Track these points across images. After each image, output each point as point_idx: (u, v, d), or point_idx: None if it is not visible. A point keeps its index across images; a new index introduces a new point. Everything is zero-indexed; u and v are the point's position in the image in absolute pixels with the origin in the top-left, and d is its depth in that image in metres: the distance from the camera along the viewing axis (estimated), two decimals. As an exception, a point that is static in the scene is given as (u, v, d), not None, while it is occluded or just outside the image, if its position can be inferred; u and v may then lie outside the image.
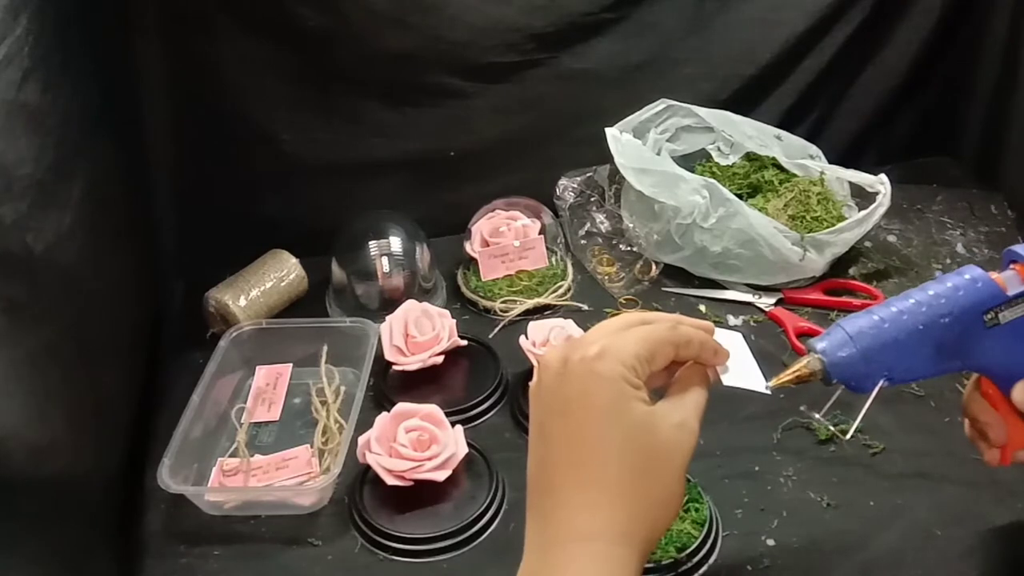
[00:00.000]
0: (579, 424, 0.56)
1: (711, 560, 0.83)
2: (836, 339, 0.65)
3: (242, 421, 1.00)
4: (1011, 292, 0.65)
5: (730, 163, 1.24)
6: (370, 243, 1.12)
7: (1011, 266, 0.66)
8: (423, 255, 1.15)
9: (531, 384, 0.60)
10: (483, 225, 1.20)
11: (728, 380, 0.64)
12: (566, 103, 1.25)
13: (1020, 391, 0.66)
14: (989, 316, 0.65)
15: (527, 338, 1.01)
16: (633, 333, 0.59)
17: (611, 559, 0.54)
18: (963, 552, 0.83)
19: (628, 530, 0.55)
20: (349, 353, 1.05)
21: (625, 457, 0.56)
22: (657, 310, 1.13)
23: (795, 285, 1.15)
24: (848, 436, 0.69)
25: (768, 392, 0.66)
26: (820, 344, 0.65)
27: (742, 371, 0.65)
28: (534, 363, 0.99)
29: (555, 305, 1.15)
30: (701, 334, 0.62)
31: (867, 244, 1.20)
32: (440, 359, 1.03)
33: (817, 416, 0.72)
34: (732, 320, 1.11)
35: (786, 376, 0.66)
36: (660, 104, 1.22)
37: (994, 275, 0.66)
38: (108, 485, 0.90)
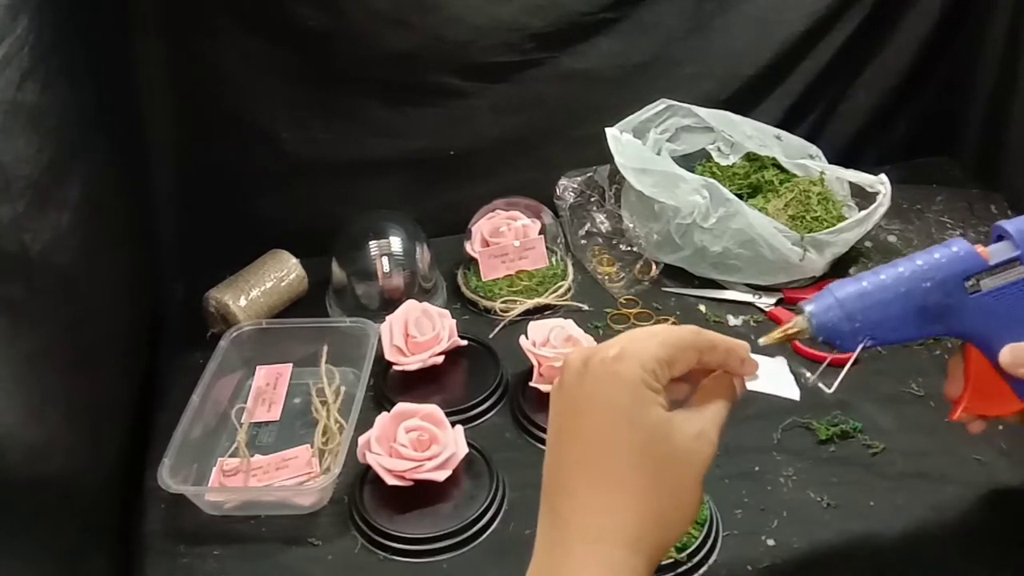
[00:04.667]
0: (595, 425, 0.56)
1: (711, 560, 0.83)
2: (824, 301, 0.69)
3: (242, 421, 1.00)
4: (993, 261, 0.69)
5: (730, 163, 1.24)
6: (370, 243, 1.12)
7: (996, 240, 0.71)
8: (423, 255, 1.15)
9: (553, 384, 0.60)
10: (483, 225, 1.20)
11: (755, 385, 0.63)
12: (566, 103, 1.25)
13: (1007, 354, 0.70)
14: (970, 283, 0.69)
15: (527, 338, 1.01)
16: (655, 336, 0.58)
17: (619, 564, 0.54)
18: (963, 552, 0.83)
19: (638, 535, 0.54)
20: (349, 353, 1.05)
21: (639, 461, 0.55)
22: (657, 310, 1.13)
23: (795, 285, 1.15)
24: (831, 390, 0.70)
25: (798, 399, 0.65)
26: (809, 306, 0.69)
27: (773, 380, 0.64)
28: (534, 363, 0.99)
29: (555, 305, 1.15)
30: (728, 340, 0.61)
31: (867, 244, 1.20)
32: (440, 359, 1.03)
33: (808, 375, 0.73)
34: (732, 320, 1.11)
35: (776, 334, 0.69)
36: (660, 104, 1.22)
37: (979, 247, 0.70)
38: (106, 485, 0.90)
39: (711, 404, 0.60)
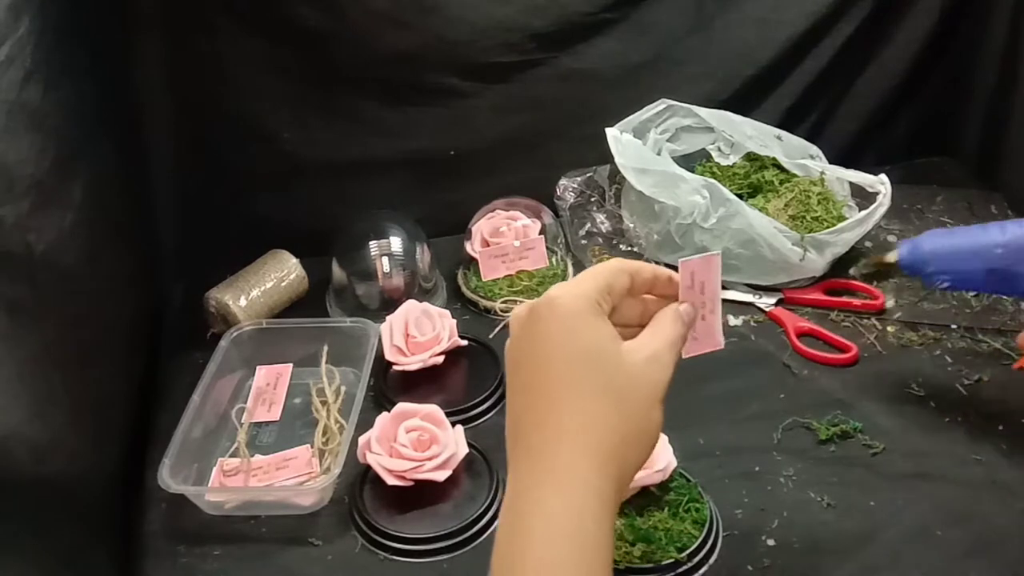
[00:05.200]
0: (548, 362, 0.57)
1: (711, 560, 0.83)
2: (913, 243, 0.89)
3: (242, 421, 1.00)
4: None
5: (730, 163, 1.24)
6: (370, 243, 1.12)
7: None
8: (423, 255, 1.15)
9: (507, 344, 0.61)
10: (483, 225, 1.20)
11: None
12: (566, 103, 1.25)
13: None
14: None
15: (527, 338, 1.00)
16: (586, 273, 0.61)
17: (586, 490, 0.54)
18: (963, 552, 0.83)
19: (602, 460, 0.55)
20: (349, 353, 1.05)
21: (593, 387, 0.56)
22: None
23: (795, 285, 1.14)
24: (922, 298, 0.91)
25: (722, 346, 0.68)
26: (901, 247, 0.90)
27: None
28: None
29: (555, 305, 1.14)
30: (652, 265, 0.65)
31: (867, 244, 1.20)
32: (440, 359, 1.03)
33: None
34: (732, 320, 1.11)
35: (870, 262, 0.95)
36: (660, 104, 1.22)
37: None
38: (108, 485, 0.90)
39: (660, 329, 0.62)
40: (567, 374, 0.57)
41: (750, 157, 1.24)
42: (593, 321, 0.58)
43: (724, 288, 1.15)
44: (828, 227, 1.13)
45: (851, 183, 1.19)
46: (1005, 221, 0.85)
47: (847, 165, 1.20)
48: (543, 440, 0.56)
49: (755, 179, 1.22)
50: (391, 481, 0.88)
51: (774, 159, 1.22)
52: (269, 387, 1.04)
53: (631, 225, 1.21)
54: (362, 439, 0.91)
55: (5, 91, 0.75)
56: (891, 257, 0.91)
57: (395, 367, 1.04)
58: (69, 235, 0.84)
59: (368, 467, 0.90)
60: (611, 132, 1.16)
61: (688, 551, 0.82)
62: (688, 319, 0.64)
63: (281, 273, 1.15)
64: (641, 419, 0.58)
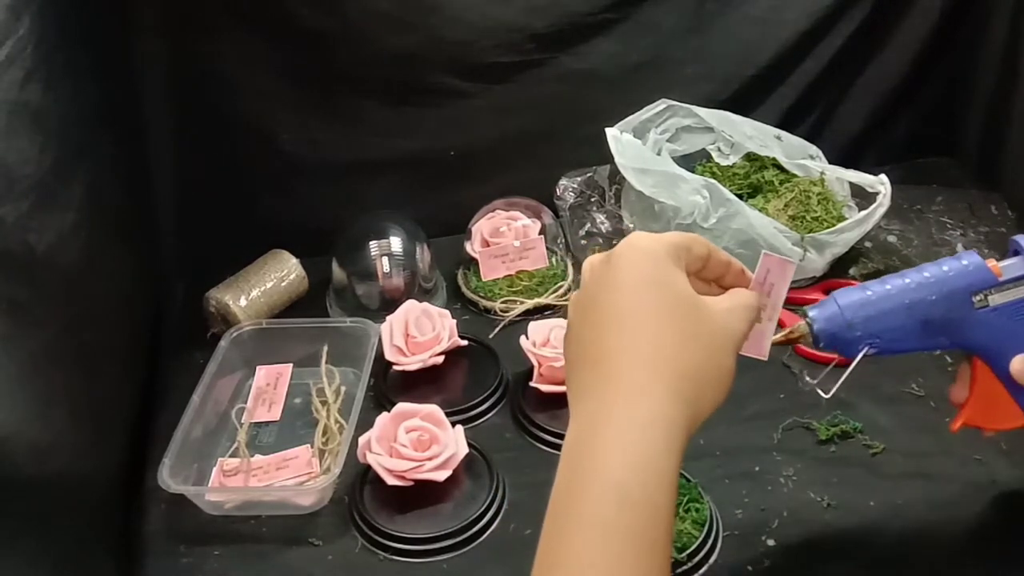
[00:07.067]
0: (626, 293, 0.58)
1: (711, 560, 0.83)
2: (827, 308, 0.70)
3: (242, 421, 1.00)
4: (1004, 277, 0.68)
5: (730, 163, 1.24)
6: (370, 243, 1.13)
7: (1012, 255, 0.70)
8: (423, 255, 1.15)
9: (571, 299, 0.62)
10: (483, 225, 1.20)
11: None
12: (566, 103, 1.25)
13: (1018, 363, 0.70)
14: (978, 298, 0.68)
15: (527, 338, 1.01)
16: (666, 233, 0.62)
17: (655, 418, 0.55)
18: (963, 552, 0.83)
19: (674, 391, 0.56)
20: (349, 353, 1.05)
21: (672, 321, 0.57)
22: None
23: (795, 285, 1.14)
24: (829, 395, 0.73)
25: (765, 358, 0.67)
26: (812, 311, 0.71)
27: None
28: (534, 363, 0.99)
29: (555, 305, 1.15)
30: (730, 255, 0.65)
31: (867, 244, 1.20)
32: (440, 359, 1.03)
33: (808, 379, 0.74)
34: (732, 320, 1.11)
35: (777, 337, 0.70)
36: (660, 104, 1.22)
37: (991, 262, 0.69)
38: (109, 485, 0.90)
39: (738, 293, 0.63)
40: (646, 304, 0.57)
41: (750, 157, 1.24)
42: (672, 265, 0.59)
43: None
44: (828, 227, 1.13)
45: (851, 183, 1.19)
46: (923, 265, 0.70)
47: (847, 165, 1.21)
48: (618, 366, 0.57)
49: (755, 179, 1.22)
50: (391, 481, 0.88)
51: (774, 159, 1.22)
52: (269, 387, 1.05)
53: (631, 225, 1.21)
54: (362, 439, 0.91)
55: (6, 91, 0.76)
56: (802, 328, 0.71)
57: (395, 367, 1.04)
58: (70, 235, 0.84)
59: (368, 467, 0.90)
60: (611, 132, 1.16)
61: (688, 551, 0.82)
62: (759, 304, 0.65)
63: (281, 273, 1.15)
64: (717, 359, 0.59)
